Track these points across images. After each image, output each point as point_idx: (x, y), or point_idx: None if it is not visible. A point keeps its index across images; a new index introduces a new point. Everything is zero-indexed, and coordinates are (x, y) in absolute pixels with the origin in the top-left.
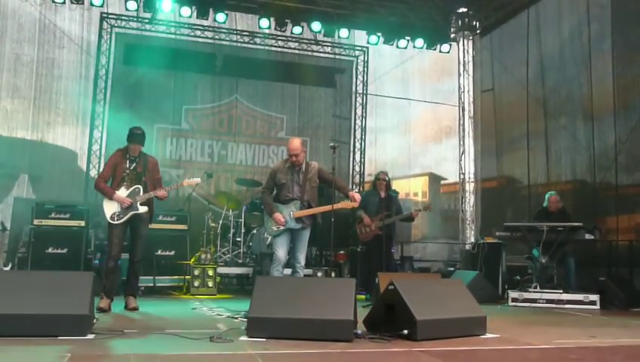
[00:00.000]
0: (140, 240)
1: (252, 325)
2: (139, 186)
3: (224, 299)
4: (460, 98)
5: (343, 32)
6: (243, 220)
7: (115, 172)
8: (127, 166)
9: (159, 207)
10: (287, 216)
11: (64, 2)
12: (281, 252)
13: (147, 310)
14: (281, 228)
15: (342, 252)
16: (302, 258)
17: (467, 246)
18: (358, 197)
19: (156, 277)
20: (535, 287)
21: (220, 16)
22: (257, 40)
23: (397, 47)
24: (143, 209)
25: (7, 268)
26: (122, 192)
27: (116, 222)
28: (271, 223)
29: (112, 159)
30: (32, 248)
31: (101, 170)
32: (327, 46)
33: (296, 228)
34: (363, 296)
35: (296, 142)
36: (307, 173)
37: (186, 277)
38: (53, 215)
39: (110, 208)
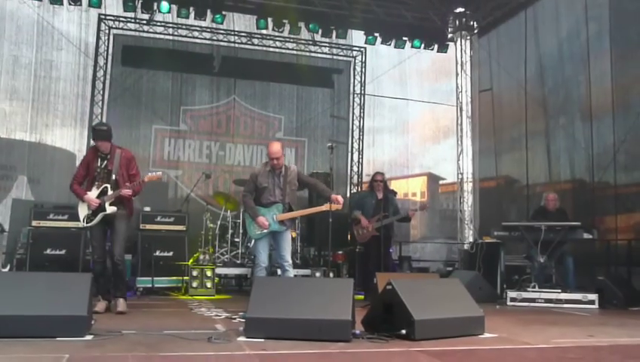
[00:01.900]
0: (117, 236)
1: (250, 325)
2: (107, 185)
3: (222, 299)
4: (457, 98)
5: (341, 33)
6: (241, 221)
7: (89, 171)
8: (99, 164)
9: (159, 208)
10: (270, 219)
11: (62, 4)
12: (264, 255)
13: (145, 311)
14: (265, 231)
15: (340, 252)
16: (289, 257)
17: (466, 246)
18: (340, 199)
19: (154, 278)
20: (534, 287)
21: (218, 17)
22: (255, 41)
23: (394, 47)
24: (111, 209)
25: (6, 270)
26: (93, 192)
27: (86, 225)
28: (254, 227)
29: (85, 158)
30: (30, 249)
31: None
32: (325, 46)
33: (279, 230)
34: (361, 296)
35: (276, 146)
36: (287, 176)
37: (185, 277)
38: (51, 216)
39: (83, 210)
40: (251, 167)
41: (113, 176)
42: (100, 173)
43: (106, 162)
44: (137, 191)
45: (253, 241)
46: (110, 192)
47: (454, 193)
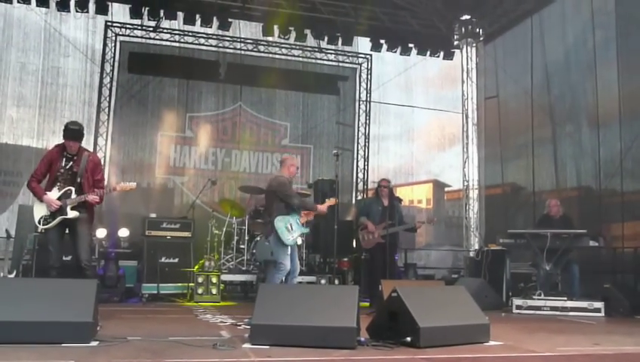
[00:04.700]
0: (82, 240)
1: (255, 332)
2: (71, 188)
3: (228, 306)
4: (463, 105)
5: (347, 40)
6: (247, 227)
7: (51, 170)
8: (63, 164)
9: (165, 215)
10: (295, 224)
11: (69, 11)
12: (289, 261)
13: (150, 317)
14: (296, 235)
15: (345, 259)
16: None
17: (471, 254)
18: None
19: (160, 285)
20: (539, 295)
21: (224, 24)
22: (261, 48)
23: (400, 54)
24: (72, 214)
25: (12, 276)
26: (54, 194)
27: (42, 227)
28: (288, 233)
29: (48, 155)
30: (36, 256)
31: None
32: (331, 53)
33: (305, 232)
34: (367, 304)
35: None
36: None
37: (190, 284)
38: None
39: (39, 211)
40: (257, 174)
41: (78, 179)
42: (63, 174)
43: (71, 163)
44: (102, 200)
45: (279, 250)
46: (74, 196)
47: (460, 200)
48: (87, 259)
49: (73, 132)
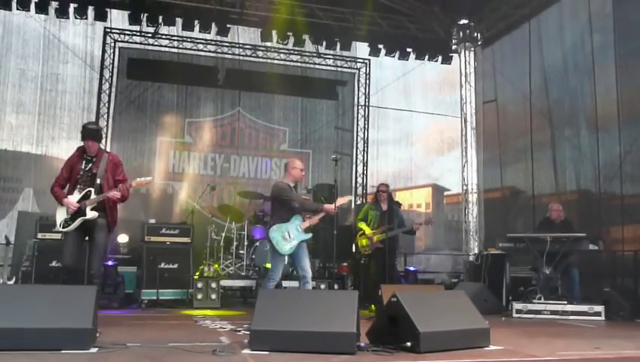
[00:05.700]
0: (96, 249)
1: (255, 338)
2: (91, 189)
3: (227, 311)
4: (462, 109)
5: (345, 45)
6: (246, 233)
7: (72, 174)
8: (83, 167)
9: (164, 220)
10: (295, 231)
11: (68, 17)
12: (281, 269)
13: (150, 323)
14: (295, 244)
15: (345, 264)
16: (309, 267)
17: (471, 258)
18: None
19: (159, 291)
20: (539, 298)
21: (222, 30)
22: (259, 53)
23: (399, 58)
24: (91, 214)
25: (11, 282)
26: (75, 196)
27: (62, 230)
28: (285, 242)
29: (69, 160)
30: (35, 262)
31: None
32: (329, 58)
33: (307, 238)
34: (366, 311)
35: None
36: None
37: (190, 290)
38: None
39: (61, 214)
40: (256, 179)
41: (98, 181)
42: (82, 176)
43: (91, 165)
44: (125, 197)
45: (273, 259)
46: (93, 197)
47: (459, 204)
48: (98, 268)
49: (91, 131)
